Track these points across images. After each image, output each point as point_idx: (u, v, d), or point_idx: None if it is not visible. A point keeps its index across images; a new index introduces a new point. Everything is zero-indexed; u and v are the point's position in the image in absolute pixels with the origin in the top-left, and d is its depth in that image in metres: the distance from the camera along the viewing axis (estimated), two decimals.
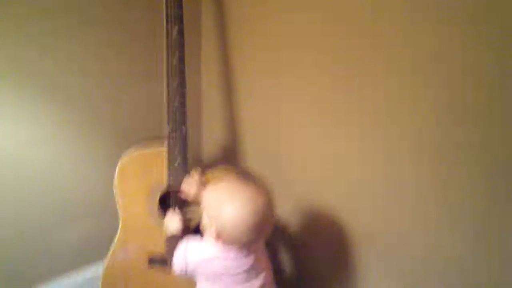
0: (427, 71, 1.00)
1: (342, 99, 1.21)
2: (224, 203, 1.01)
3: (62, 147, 1.43)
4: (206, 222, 1.08)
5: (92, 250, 1.59)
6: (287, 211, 1.48)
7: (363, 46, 1.11)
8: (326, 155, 1.31)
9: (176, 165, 1.27)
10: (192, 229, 1.30)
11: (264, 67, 1.41)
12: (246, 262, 1.09)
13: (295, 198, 1.44)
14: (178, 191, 1.30)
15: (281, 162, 1.45)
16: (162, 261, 1.35)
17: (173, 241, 1.18)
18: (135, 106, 1.53)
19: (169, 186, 1.29)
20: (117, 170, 1.28)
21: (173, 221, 1.26)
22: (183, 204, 1.36)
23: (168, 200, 1.35)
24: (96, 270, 1.60)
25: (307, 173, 1.39)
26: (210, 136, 1.71)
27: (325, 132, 1.29)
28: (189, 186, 1.26)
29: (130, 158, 1.28)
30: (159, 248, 1.34)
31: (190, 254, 1.12)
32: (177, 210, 1.33)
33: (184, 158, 1.27)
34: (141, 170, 1.30)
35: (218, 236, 1.05)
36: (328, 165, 1.31)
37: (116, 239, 1.34)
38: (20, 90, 1.28)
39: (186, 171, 1.28)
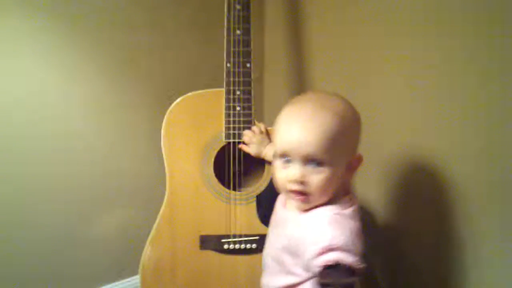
0: None
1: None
2: (345, 115, 0.75)
3: (100, 113, 1.22)
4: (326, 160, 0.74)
5: (132, 255, 1.25)
6: (371, 196, 1.17)
7: None
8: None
9: (237, 110, 1.03)
10: None
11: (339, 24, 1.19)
12: None
13: (381, 173, 1.14)
14: (239, 145, 1.05)
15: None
16: (217, 241, 1.06)
17: None
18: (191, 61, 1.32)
19: (228, 137, 1.04)
20: (165, 117, 1.04)
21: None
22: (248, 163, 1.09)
23: (227, 159, 1.08)
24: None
25: (398, 134, 1.10)
26: (272, 102, 1.46)
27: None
28: (250, 137, 1.02)
29: (181, 101, 1.05)
30: (215, 225, 1.06)
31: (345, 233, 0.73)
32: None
33: (248, 101, 1.03)
34: (194, 117, 1.06)
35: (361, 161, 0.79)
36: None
37: (160, 214, 1.07)
38: (56, 37, 1.11)
39: (249, 119, 1.03)
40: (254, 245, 1.06)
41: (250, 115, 1.03)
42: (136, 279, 1.34)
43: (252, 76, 1.02)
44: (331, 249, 0.70)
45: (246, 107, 1.03)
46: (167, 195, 1.06)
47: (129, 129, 1.27)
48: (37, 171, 1.14)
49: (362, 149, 0.79)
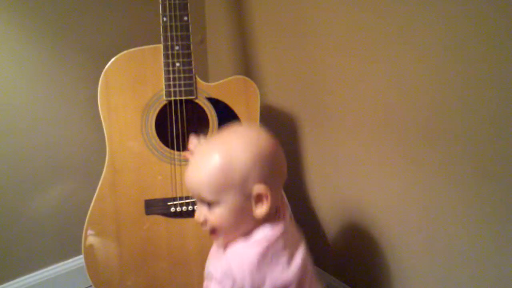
0: None
1: None
2: (233, 152, 0.69)
3: (30, 77, 1.13)
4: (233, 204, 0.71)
5: (75, 234, 1.15)
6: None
7: None
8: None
9: (176, 66, 0.98)
10: None
11: None
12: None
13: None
14: (181, 104, 1.01)
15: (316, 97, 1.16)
16: (163, 204, 1.02)
17: None
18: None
19: (168, 95, 0.99)
20: (101, 78, 0.98)
21: None
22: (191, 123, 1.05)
23: (169, 119, 1.03)
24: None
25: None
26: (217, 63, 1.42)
27: None
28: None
29: (116, 60, 0.99)
30: (159, 188, 1.02)
31: (237, 267, 0.70)
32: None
33: (188, 57, 0.99)
34: (131, 76, 1.00)
35: (266, 194, 0.70)
36: None
37: (101, 180, 1.01)
38: None
39: (190, 75, 0.99)
40: None
41: (190, 71, 0.99)
42: (80, 259, 1.27)
43: (191, 31, 0.98)
44: (215, 279, 0.72)
45: (186, 62, 0.99)
46: (108, 160, 1.01)
47: (66, 95, 1.19)
48: None
49: None
